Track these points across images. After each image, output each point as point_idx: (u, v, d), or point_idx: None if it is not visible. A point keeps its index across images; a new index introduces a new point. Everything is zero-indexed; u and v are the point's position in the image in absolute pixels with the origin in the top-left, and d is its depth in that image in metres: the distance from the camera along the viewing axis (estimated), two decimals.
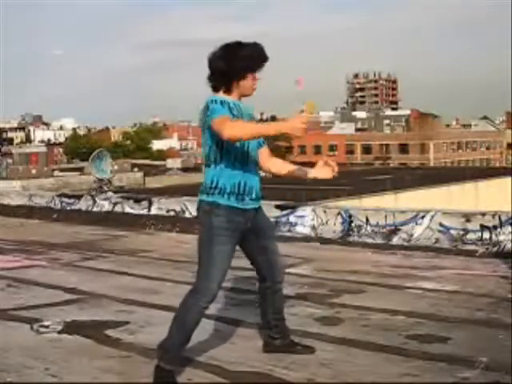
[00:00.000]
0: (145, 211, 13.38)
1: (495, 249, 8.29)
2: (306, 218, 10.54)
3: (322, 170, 4.02)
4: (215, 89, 3.80)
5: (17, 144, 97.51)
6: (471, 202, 22.47)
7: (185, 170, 45.28)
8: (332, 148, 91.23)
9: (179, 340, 3.75)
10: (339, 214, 10.14)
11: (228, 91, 3.77)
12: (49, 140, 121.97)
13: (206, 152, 3.78)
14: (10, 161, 42.17)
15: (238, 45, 3.76)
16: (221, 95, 3.77)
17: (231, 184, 3.74)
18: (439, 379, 3.80)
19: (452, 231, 8.92)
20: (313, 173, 4.05)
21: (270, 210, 10.86)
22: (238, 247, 3.91)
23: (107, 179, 29.65)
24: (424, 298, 5.87)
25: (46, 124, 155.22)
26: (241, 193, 3.76)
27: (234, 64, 3.69)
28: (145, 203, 13.62)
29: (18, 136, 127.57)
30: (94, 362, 4.23)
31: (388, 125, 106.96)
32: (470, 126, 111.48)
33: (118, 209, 14.11)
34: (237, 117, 3.69)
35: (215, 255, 3.72)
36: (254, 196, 3.83)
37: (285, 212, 10.76)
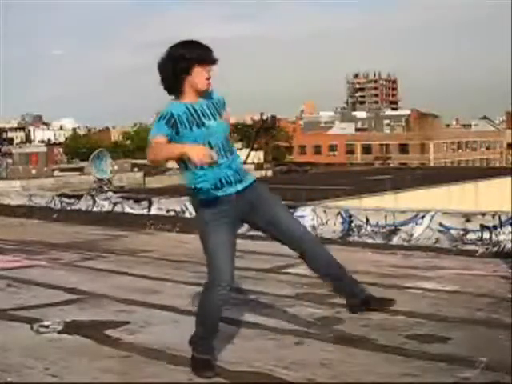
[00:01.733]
0: (145, 211, 13.38)
1: (495, 249, 8.28)
2: (305, 218, 10.53)
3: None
4: (169, 92, 3.83)
5: (17, 144, 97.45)
6: (471, 202, 22.45)
7: None
8: (332, 148, 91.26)
9: (205, 332, 3.91)
10: (339, 213, 10.14)
11: (180, 92, 3.78)
12: (49, 140, 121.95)
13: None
14: (10, 161, 42.15)
15: (177, 44, 3.77)
16: (174, 100, 3.80)
17: (207, 186, 3.78)
18: (439, 379, 3.80)
19: (452, 231, 8.92)
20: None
21: None
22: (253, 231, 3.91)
23: (107, 179, 29.62)
24: (424, 298, 5.87)
25: (46, 124, 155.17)
26: (218, 187, 3.80)
27: (175, 63, 3.70)
28: (145, 203, 13.62)
29: (18, 136, 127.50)
30: (94, 362, 4.23)
31: (388, 125, 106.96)
32: (470, 126, 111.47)
33: (118, 209, 14.11)
34: (190, 124, 3.70)
35: (213, 248, 3.79)
36: (232, 181, 3.83)
37: None
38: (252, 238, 8.87)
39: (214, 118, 3.81)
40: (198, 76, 3.73)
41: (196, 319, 3.96)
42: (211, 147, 3.72)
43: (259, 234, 11.02)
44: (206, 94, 3.83)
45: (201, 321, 3.93)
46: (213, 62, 3.78)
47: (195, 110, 3.75)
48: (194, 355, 3.92)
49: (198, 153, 3.45)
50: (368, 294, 4.24)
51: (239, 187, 3.86)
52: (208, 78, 3.77)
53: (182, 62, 3.68)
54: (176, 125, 3.69)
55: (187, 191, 3.92)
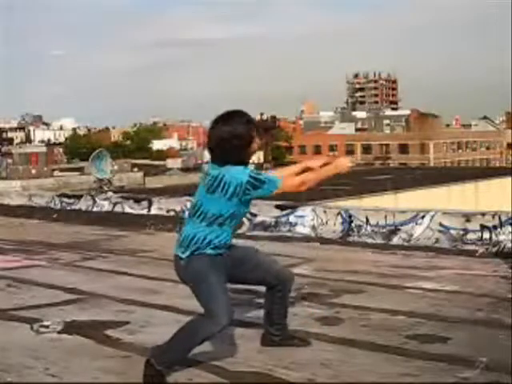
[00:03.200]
0: (145, 211, 13.39)
1: (495, 249, 8.29)
2: (306, 218, 10.55)
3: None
4: (232, 163, 3.89)
5: (17, 144, 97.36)
6: (471, 201, 22.46)
7: (185, 170, 45.25)
8: (332, 148, 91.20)
9: (182, 352, 3.85)
10: (339, 213, 10.15)
11: (246, 163, 3.95)
12: (49, 140, 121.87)
13: (196, 205, 3.96)
14: (10, 161, 42.07)
15: (234, 120, 3.89)
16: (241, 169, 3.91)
17: (211, 241, 3.89)
18: (439, 379, 3.80)
19: (452, 231, 8.92)
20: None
21: (270, 209, 10.89)
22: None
23: (107, 179, 29.65)
24: (424, 298, 5.87)
25: (46, 124, 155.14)
26: (219, 244, 3.92)
27: (240, 142, 3.86)
28: (145, 203, 13.64)
29: (18, 136, 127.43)
30: (94, 362, 4.23)
31: (388, 125, 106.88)
32: (470, 126, 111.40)
33: (118, 209, 14.13)
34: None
35: (213, 290, 3.82)
36: (228, 243, 3.99)
37: (285, 212, 10.77)
38: (252, 238, 8.90)
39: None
40: (255, 145, 3.96)
41: (179, 335, 3.83)
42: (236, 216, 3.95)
43: (259, 233, 11.01)
44: None
45: (186, 342, 3.82)
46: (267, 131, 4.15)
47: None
48: (154, 364, 3.76)
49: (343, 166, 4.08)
50: (286, 335, 4.36)
51: (228, 249, 4.03)
52: (259, 144, 4.08)
53: (245, 139, 3.90)
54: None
55: (183, 243, 3.92)
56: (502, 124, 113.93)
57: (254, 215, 10.96)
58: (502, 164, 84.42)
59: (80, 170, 41.29)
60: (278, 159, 70.22)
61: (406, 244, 9.11)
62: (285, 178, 4.05)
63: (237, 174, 3.82)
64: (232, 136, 3.84)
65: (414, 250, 8.71)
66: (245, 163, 3.91)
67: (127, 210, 13.91)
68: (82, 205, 14.94)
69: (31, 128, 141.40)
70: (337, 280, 6.77)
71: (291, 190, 4.00)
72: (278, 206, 10.75)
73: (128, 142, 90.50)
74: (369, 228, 9.71)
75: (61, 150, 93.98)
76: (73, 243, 10.28)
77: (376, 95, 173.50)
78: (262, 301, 5.75)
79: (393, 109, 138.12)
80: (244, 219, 11.07)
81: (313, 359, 4.16)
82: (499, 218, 8.57)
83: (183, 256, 3.90)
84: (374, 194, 20.58)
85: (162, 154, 79.29)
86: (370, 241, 9.45)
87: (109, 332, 4.93)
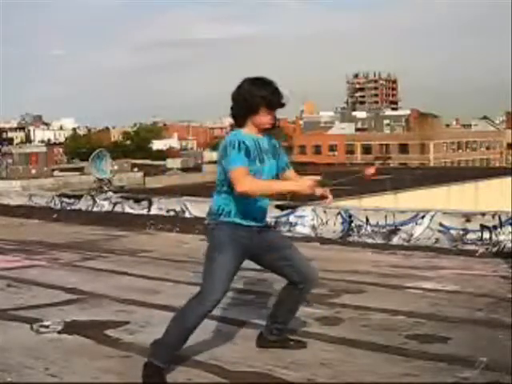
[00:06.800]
0: (145, 211, 13.39)
1: (495, 249, 8.29)
2: (306, 218, 10.54)
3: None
4: (235, 120, 3.98)
5: (17, 144, 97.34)
6: (471, 202, 22.47)
7: (185, 170, 45.25)
8: (332, 148, 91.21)
9: (176, 340, 3.83)
10: (339, 213, 10.14)
11: (245, 124, 3.92)
12: (49, 140, 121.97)
13: (220, 179, 3.95)
14: (10, 161, 42.08)
15: (252, 81, 3.90)
16: (240, 130, 3.91)
17: (237, 210, 3.91)
18: (439, 379, 3.80)
19: (452, 231, 8.92)
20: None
21: (270, 209, 10.87)
22: (259, 267, 4.10)
23: (107, 179, 29.65)
24: (424, 298, 5.87)
25: (46, 124, 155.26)
26: (246, 215, 3.93)
27: (245, 100, 3.86)
28: (145, 203, 13.63)
29: (18, 136, 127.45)
30: (93, 362, 4.23)
31: (388, 125, 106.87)
32: (470, 126, 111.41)
33: (118, 209, 14.12)
34: (254, 158, 3.85)
35: (218, 267, 3.83)
36: (257, 218, 3.99)
37: (285, 212, 10.76)
38: None
39: (274, 158, 4.03)
40: (264, 117, 3.90)
41: (172, 323, 3.84)
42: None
43: None
44: (265, 131, 4.00)
45: (178, 326, 3.83)
46: (280, 106, 3.96)
47: (259, 146, 3.93)
48: (150, 361, 3.80)
49: (306, 190, 3.80)
50: (283, 336, 4.36)
51: (260, 224, 4.01)
52: (272, 119, 3.95)
53: (252, 101, 3.85)
54: (248, 155, 3.84)
55: (212, 213, 3.95)
56: (502, 124, 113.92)
57: None
58: (502, 164, 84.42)
59: (80, 170, 41.31)
60: None
61: (405, 244, 9.11)
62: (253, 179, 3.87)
63: (229, 136, 3.89)
64: (237, 93, 3.89)
65: (413, 250, 8.71)
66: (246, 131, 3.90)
67: (127, 209, 13.90)
68: (82, 205, 14.93)
69: (31, 128, 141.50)
70: (337, 280, 6.77)
71: (251, 189, 3.78)
72: (277, 206, 10.74)
73: (128, 142, 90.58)
74: (369, 228, 9.71)
75: (61, 150, 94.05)
76: (73, 243, 10.28)
77: (376, 95, 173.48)
78: (262, 301, 5.76)
79: (393, 109, 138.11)
80: None
81: (313, 359, 4.16)
82: (499, 218, 8.57)
83: (208, 221, 3.99)
84: (373, 194, 20.59)
85: (162, 154, 79.33)
86: (370, 241, 9.45)
87: (109, 332, 4.93)
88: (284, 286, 4.25)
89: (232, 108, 3.96)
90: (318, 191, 3.99)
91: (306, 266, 4.17)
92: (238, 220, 3.90)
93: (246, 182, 3.75)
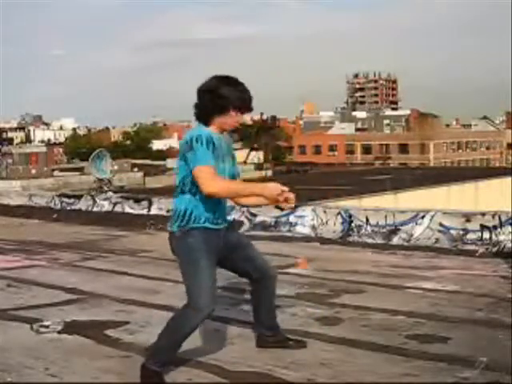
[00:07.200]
0: (145, 211, 13.39)
1: (495, 249, 8.29)
2: (306, 218, 10.55)
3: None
4: (197, 118, 3.83)
5: (17, 144, 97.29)
6: (471, 202, 22.46)
7: None
8: (332, 148, 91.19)
9: (168, 348, 3.79)
10: (339, 213, 10.15)
11: (208, 122, 3.78)
12: (49, 140, 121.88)
13: (180, 179, 3.80)
14: (10, 161, 42.07)
15: (222, 80, 3.78)
16: (204, 128, 3.77)
17: (206, 214, 3.78)
18: (439, 379, 3.80)
19: (452, 231, 8.92)
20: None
21: (270, 209, 10.87)
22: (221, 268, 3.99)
23: (107, 179, 29.62)
24: (424, 298, 5.87)
25: (46, 124, 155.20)
26: (215, 218, 3.82)
27: (214, 99, 3.73)
28: (145, 203, 13.64)
29: (18, 136, 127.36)
30: (93, 362, 4.23)
31: (388, 125, 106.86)
32: (470, 126, 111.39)
33: (118, 209, 14.13)
34: (217, 157, 3.71)
35: (200, 275, 3.73)
36: (223, 218, 3.90)
37: (285, 212, 10.76)
38: (251, 237, 8.83)
39: (232, 159, 3.94)
40: (231, 118, 3.79)
41: (165, 333, 3.77)
42: None
43: (259, 233, 11.00)
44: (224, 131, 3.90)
45: (169, 335, 3.77)
46: (248, 111, 3.86)
47: (221, 146, 3.79)
48: (148, 366, 3.75)
49: (272, 194, 3.68)
50: (282, 334, 4.34)
51: (226, 225, 3.94)
52: (238, 122, 3.84)
53: (220, 101, 3.73)
54: (215, 153, 3.71)
55: (178, 217, 3.82)
56: (502, 124, 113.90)
57: (254, 215, 10.96)
58: (502, 164, 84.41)
59: (80, 170, 41.28)
60: (277, 159, 70.27)
61: (405, 244, 9.11)
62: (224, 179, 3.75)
63: (190, 131, 3.76)
64: (206, 90, 3.75)
65: (413, 250, 8.71)
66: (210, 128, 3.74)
67: (127, 209, 13.91)
68: (82, 205, 14.94)
69: (31, 128, 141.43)
70: (337, 280, 6.77)
71: (222, 191, 3.66)
72: (277, 206, 10.74)
73: (128, 142, 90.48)
74: (369, 228, 9.71)
75: (61, 150, 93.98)
76: (73, 243, 10.28)
77: (376, 95, 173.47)
78: None
79: (393, 109, 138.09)
80: (244, 219, 11.07)
81: (313, 359, 4.16)
82: (499, 218, 8.57)
83: (173, 229, 3.87)
84: (373, 194, 20.59)
85: (162, 154, 79.30)
86: (370, 241, 9.46)
87: (109, 332, 4.93)
88: (251, 291, 4.23)
89: (197, 105, 3.81)
90: (283, 196, 3.77)
91: (265, 262, 4.16)
92: (208, 225, 3.78)
93: (215, 183, 3.60)
